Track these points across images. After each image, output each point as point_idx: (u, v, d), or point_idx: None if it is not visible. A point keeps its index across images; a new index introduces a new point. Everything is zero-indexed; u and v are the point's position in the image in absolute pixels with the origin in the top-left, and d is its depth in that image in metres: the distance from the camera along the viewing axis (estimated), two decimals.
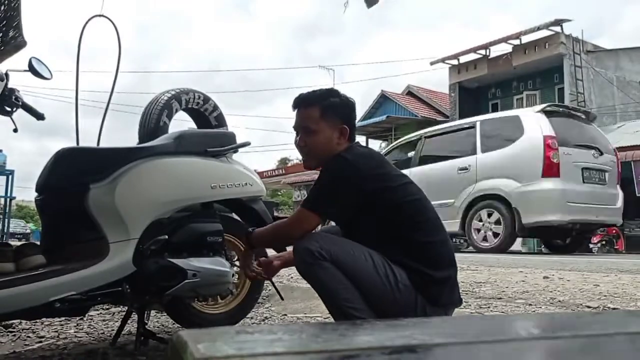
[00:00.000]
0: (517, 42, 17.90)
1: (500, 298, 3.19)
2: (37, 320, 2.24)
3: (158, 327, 2.24)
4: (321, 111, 1.48)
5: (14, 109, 1.79)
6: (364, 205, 1.42)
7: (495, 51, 18.75)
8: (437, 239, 1.46)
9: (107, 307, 2.57)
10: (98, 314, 2.51)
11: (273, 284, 1.80)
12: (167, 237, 1.70)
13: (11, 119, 1.81)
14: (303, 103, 1.51)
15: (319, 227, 1.62)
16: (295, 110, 1.52)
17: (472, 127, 6.77)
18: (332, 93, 1.53)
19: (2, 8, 1.88)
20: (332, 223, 1.67)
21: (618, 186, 7.10)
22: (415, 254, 1.40)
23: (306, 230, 1.42)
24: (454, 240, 13.70)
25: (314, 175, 10.48)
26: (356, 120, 1.57)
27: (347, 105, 1.53)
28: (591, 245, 12.63)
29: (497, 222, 6.08)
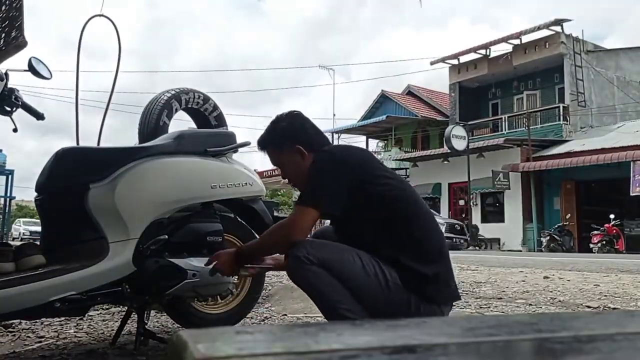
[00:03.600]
0: (517, 41, 17.89)
1: (500, 298, 3.19)
2: (37, 320, 2.24)
3: (158, 327, 2.24)
4: (274, 148, 1.58)
5: (14, 109, 1.79)
6: (354, 196, 1.42)
7: (496, 51, 18.75)
8: (430, 234, 1.47)
9: (107, 307, 2.57)
10: (98, 314, 2.51)
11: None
12: (167, 237, 1.70)
13: (11, 118, 1.81)
14: (261, 148, 1.61)
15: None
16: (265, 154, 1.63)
17: None
18: (273, 127, 1.59)
19: (4, 8, 1.88)
20: (326, 223, 1.67)
21: None
22: (405, 249, 1.41)
23: (306, 227, 1.41)
24: (454, 240, 13.72)
25: None
26: (309, 125, 1.58)
27: (290, 129, 1.56)
28: (591, 245, 12.63)
29: None
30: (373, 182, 1.44)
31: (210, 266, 1.57)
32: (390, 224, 1.44)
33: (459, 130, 15.99)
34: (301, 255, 1.34)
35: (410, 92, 23.06)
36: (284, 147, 1.55)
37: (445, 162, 16.89)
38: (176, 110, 2.56)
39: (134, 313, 1.82)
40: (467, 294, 3.34)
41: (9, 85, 1.74)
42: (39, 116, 1.92)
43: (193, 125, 2.71)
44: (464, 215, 16.75)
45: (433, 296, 1.41)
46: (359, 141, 24.53)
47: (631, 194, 13.03)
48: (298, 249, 1.37)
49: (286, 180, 1.61)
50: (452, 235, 13.73)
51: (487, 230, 15.74)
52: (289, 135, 1.55)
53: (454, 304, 1.54)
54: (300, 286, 1.43)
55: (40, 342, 1.96)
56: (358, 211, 1.43)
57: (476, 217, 16.31)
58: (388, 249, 1.41)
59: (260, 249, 1.55)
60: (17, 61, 1.90)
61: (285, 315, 2.59)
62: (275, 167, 1.64)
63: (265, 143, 1.59)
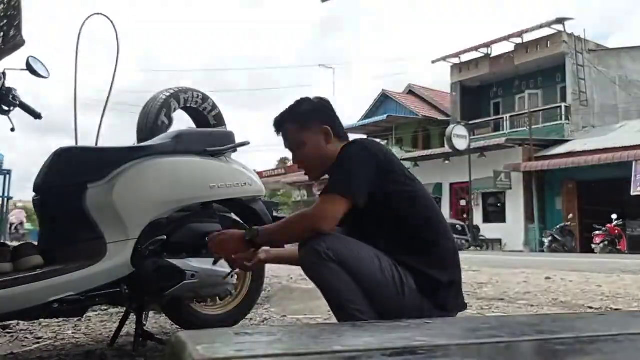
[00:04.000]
0: (519, 40, 17.88)
1: (502, 299, 3.18)
2: (35, 321, 2.24)
3: (156, 328, 2.23)
4: (298, 124, 1.49)
5: (11, 108, 1.78)
6: (375, 190, 1.37)
7: (497, 50, 18.74)
8: (445, 239, 1.44)
9: (106, 308, 2.57)
10: (96, 315, 2.50)
11: None
12: (165, 237, 1.69)
13: (8, 118, 1.80)
14: (280, 125, 1.52)
15: None
16: (280, 134, 1.55)
17: None
18: (301, 103, 1.53)
19: (2, 7, 1.87)
20: None
21: None
22: (422, 255, 1.38)
23: (336, 218, 1.33)
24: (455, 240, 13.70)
25: None
26: (337, 114, 1.54)
27: (320, 107, 1.52)
28: (593, 246, 12.61)
29: None
30: (396, 180, 1.40)
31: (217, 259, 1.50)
32: (406, 225, 1.40)
33: (460, 130, 15.98)
34: (321, 250, 1.29)
35: (411, 92, 23.05)
36: (311, 125, 1.48)
37: (447, 161, 16.88)
38: (175, 110, 2.55)
39: (132, 314, 1.81)
40: (468, 295, 3.33)
41: (7, 85, 1.74)
42: (36, 115, 1.91)
43: (192, 124, 2.70)
44: (465, 216, 16.73)
45: (445, 303, 1.38)
46: None
47: (632, 194, 13.01)
48: (317, 242, 1.31)
49: (296, 166, 1.54)
50: (453, 235, 13.69)
51: (488, 230, 15.72)
52: (319, 114, 1.49)
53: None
54: (313, 280, 1.39)
55: (38, 343, 1.95)
56: (375, 207, 1.38)
57: (477, 217, 16.29)
58: (404, 252, 1.38)
59: (280, 235, 1.42)
60: (17, 61, 1.89)
61: (285, 316, 2.58)
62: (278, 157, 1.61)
63: (290, 116, 1.49)
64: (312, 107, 1.51)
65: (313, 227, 1.32)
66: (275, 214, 2.07)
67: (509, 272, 5.07)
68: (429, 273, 1.36)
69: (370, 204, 1.37)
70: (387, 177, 1.39)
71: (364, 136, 23.18)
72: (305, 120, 1.49)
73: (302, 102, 1.53)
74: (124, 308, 1.87)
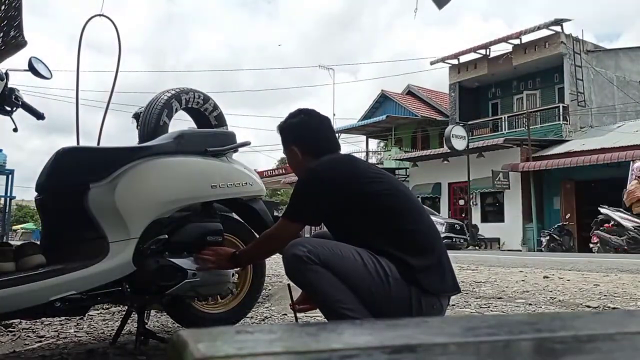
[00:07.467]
0: (517, 41, 17.89)
1: (500, 298, 3.19)
2: (37, 320, 2.24)
3: (158, 327, 2.24)
4: (282, 141, 1.71)
5: (14, 109, 1.79)
6: (338, 204, 1.47)
7: (496, 51, 18.75)
8: (417, 227, 1.48)
9: (107, 306, 2.58)
10: (98, 314, 2.51)
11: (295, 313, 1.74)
12: (167, 236, 1.70)
13: (11, 118, 1.81)
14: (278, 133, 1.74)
15: (315, 229, 1.68)
16: None
17: None
18: (290, 118, 1.69)
19: (3, 8, 1.88)
20: (324, 227, 1.71)
21: None
22: (395, 242, 1.43)
23: (288, 238, 1.48)
24: (454, 240, 13.71)
25: None
26: (323, 127, 1.68)
27: (293, 128, 1.67)
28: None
29: None
30: (357, 186, 1.49)
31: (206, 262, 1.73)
32: (379, 219, 1.46)
33: (459, 130, 15.99)
34: (302, 255, 1.33)
35: (410, 92, 23.04)
36: (286, 145, 1.69)
37: (445, 162, 16.89)
38: (176, 110, 2.56)
39: (134, 313, 1.82)
40: (467, 293, 3.35)
41: (9, 85, 1.74)
42: (39, 116, 1.92)
43: (193, 125, 2.70)
44: (463, 215, 16.75)
45: (428, 287, 1.41)
46: (359, 141, 24.53)
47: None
48: (297, 247, 1.35)
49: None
50: (452, 234, 13.72)
51: (486, 230, 15.73)
52: (292, 134, 1.66)
53: (453, 297, 1.55)
54: (300, 286, 1.41)
55: (41, 341, 1.96)
56: (346, 213, 1.49)
57: (476, 216, 16.30)
58: (379, 242, 1.43)
59: (254, 255, 1.76)
60: (21, 62, 1.90)
61: (285, 315, 2.59)
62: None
63: (279, 130, 1.71)
64: (290, 127, 1.68)
65: (273, 248, 1.60)
66: (275, 213, 2.08)
67: (507, 271, 5.09)
68: (403, 258, 1.40)
69: (339, 214, 1.49)
70: (348, 198, 1.48)
71: (363, 137, 23.21)
72: (284, 139, 1.69)
73: (290, 118, 1.69)
74: (126, 307, 1.88)
